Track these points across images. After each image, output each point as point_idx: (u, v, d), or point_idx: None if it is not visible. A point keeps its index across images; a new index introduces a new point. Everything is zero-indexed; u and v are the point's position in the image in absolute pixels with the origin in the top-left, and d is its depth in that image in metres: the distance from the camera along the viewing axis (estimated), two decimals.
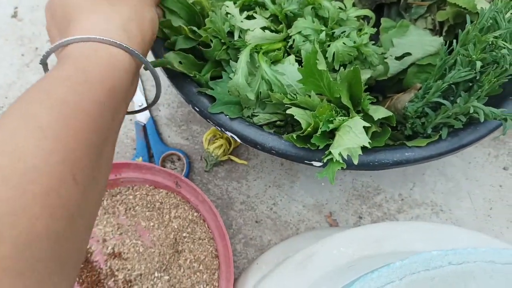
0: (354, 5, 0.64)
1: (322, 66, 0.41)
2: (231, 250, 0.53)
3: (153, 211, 0.58)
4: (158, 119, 0.66)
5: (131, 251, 0.56)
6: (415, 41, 0.55)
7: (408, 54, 0.54)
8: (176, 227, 0.57)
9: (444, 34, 0.60)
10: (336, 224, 0.58)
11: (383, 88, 0.58)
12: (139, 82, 0.67)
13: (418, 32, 0.56)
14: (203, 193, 0.55)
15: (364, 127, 0.41)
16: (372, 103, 0.57)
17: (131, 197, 0.59)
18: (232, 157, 0.61)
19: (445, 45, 0.55)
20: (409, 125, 0.48)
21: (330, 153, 0.40)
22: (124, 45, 0.34)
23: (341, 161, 0.39)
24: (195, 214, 0.58)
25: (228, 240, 0.53)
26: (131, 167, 0.58)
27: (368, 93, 0.49)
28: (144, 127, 0.64)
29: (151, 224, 0.58)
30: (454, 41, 0.44)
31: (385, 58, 0.54)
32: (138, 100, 0.66)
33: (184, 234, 0.57)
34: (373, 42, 0.53)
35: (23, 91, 0.66)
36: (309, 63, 0.42)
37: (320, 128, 0.42)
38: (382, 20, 0.58)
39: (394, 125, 0.46)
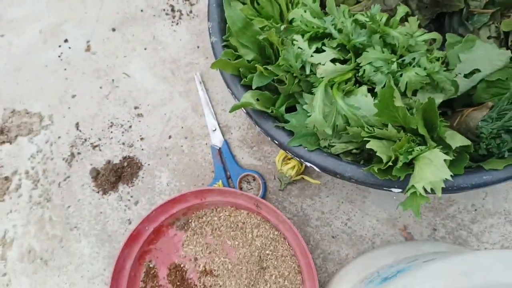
0: (417, 18, 0.65)
1: (398, 102, 0.43)
2: (314, 266, 0.57)
3: (237, 231, 0.63)
4: (230, 142, 0.70)
5: (220, 268, 0.62)
6: (483, 56, 0.55)
7: (477, 70, 0.55)
8: (259, 245, 0.62)
9: (510, 43, 0.60)
10: (411, 237, 0.61)
11: (451, 103, 0.59)
12: (210, 106, 0.72)
13: (484, 46, 0.56)
14: (283, 214, 0.59)
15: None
16: (443, 119, 0.58)
17: (215, 218, 0.64)
18: (306, 177, 0.64)
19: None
20: (484, 145, 0.50)
21: (413, 186, 0.42)
22: None
23: (424, 195, 0.41)
24: (276, 232, 0.62)
25: (310, 257, 0.57)
26: (214, 192, 0.63)
27: (442, 118, 0.51)
28: (220, 150, 0.69)
29: (236, 243, 0.63)
30: None
31: (454, 75, 0.55)
32: (212, 124, 0.71)
33: (267, 252, 0.62)
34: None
35: (106, 122, 0.73)
36: (385, 98, 0.44)
37: (400, 161, 0.44)
38: (447, 35, 0.59)
39: (471, 151, 0.48)
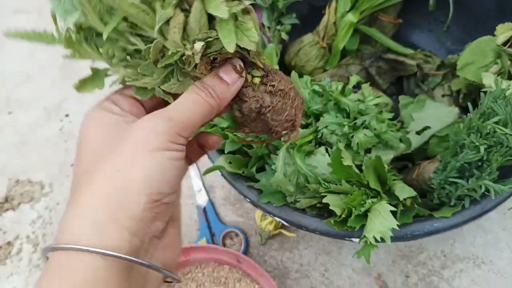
0: (375, 82, 0.72)
1: (347, 161, 0.49)
2: None
3: (220, 286, 0.67)
4: (215, 201, 0.75)
5: None
6: (433, 114, 0.62)
7: (427, 127, 0.61)
8: None
9: (461, 100, 0.66)
10: (385, 285, 0.64)
11: (411, 156, 0.64)
12: (196, 168, 0.78)
13: (434, 105, 0.63)
14: (261, 268, 0.63)
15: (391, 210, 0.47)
16: (402, 170, 0.63)
17: (200, 274, 0.68)
18: (283, 231, 0.69)
19: (462, 112, 0.62)
20: (435, 195, 0.54)
21: (364, 236, 0.47)
22: (99, 250, 0.28)
23: (374, 243, 0.46)
24: (256, 286, 0.65)
25: None
26: (198, 250, 0.67)
27: (394, 172, 0.56)
28: (204, 209, 0.74)
29: None
30: (461, 125, 0.50)
31: (407, 132, 0.61)
32: (197, 185, 0.76)
33: None
34: (393, 118, 0.60)
35: None
36: (336, 158, 0.50)
37: (354, 213, 0.49)
38: (400, 97, 0.65)
39: (419, 202, 0.52)
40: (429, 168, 0.58)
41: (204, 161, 0.79)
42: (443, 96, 0.69)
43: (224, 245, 0.72)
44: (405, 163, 0.64)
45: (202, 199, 0.75)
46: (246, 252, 0.70)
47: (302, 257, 0.68)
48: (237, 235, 0.72)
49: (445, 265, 0.64)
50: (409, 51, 0.71)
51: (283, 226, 0.70)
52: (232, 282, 0.66)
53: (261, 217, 0.70)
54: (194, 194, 0.76)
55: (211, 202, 0.75)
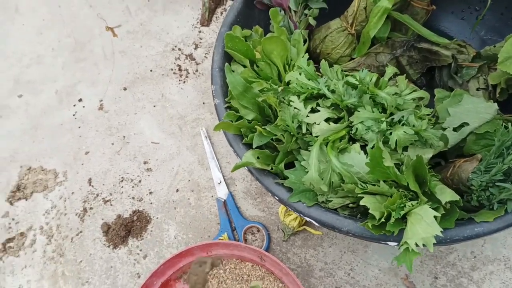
0: (405, 72, 0.69)
1: (388, 162, 0.46)
2: None
3: (242, 283, 0.65)
4: (235, 194, 0.73)
5: None
6: (471, 110, 0.58)
7: (465, 123, 0.58)
8: None
9: (498, 95, 0.63)
10: (413, 286, 0.62)
11: (444, 153, 0.61)
12: (215, 160, 0.75)
13: (472, 100, 0.59)
14: (286, 267, 0.60)
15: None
16: (433, 167, 0.61)
17: (221, 271, 0.66)
18: (308, 228, 0.67)
19: (500, 109, 0.58)
20: (475, 197, 0.52)
21: (406, 242, 0.44)
22: None
23: (417, 250, 0.43)
24: (280, 285, 0.63)
25: None
26: (220, 246, 0.65)
27: (432, 172, 0.53)
28: (225, 202, 0.72)
29: None
30: (510, 124, 0.47)
31: (443, 129, 0.58)
32: (217, 177, 0.74)
33: None
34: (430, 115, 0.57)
35: (117, 177, 0.76)
36: (375, 158, 0.47)
37: (393, 216, 0.47)
38: (436, 91, 0.62)
39: (461, 205, 0.50)
40: (467, 167, 0.55)
41: (224, 152, 0.76)
42: (477, 89, 0.66)
43: (245, 240, 0.70)
44: (437, 160, 0.61)
45: (222, 192, 0.73)
46: (268, 248, 0.68)
47: (326, 255, 0.66)
48: (258, 230, 0.70)
49: (475, 266, 0.62)
50: (444, 40, 0.67)
51: (307, 223, 0.68)
52: (254, 280, 0.65)
53: (284, 213, 0.67)
54: (213, 187, 0.74)
55: (231, 195, 0.72)
